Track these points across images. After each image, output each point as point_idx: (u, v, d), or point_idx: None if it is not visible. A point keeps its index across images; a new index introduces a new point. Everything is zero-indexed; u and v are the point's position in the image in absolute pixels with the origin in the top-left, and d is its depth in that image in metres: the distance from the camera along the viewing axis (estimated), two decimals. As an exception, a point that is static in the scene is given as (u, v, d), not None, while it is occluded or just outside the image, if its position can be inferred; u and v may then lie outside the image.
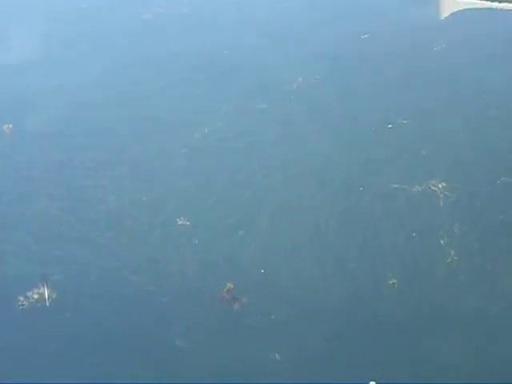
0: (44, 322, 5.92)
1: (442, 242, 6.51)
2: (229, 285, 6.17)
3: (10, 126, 9.05)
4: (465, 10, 10.95)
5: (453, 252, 6.41)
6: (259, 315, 5.99)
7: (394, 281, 6.13)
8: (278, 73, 8.59)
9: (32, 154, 7.84)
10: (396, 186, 7.00)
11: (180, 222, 6.56)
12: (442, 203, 6.87)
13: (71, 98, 8.48)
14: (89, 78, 8.49)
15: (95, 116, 8.22)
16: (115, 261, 6.32)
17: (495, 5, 11.81)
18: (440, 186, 6.98)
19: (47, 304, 6.09)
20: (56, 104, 8.26)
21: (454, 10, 10.66)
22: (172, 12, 9.58)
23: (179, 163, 7.50)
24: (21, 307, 6.03)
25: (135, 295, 6.09)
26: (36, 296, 6.17)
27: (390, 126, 7.69)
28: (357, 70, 8.94)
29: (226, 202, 7.03)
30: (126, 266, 6.27)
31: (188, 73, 8.65)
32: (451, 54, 9.05)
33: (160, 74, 8.67)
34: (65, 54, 9.03)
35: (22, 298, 6.06)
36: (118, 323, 5.93)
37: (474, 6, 11.32)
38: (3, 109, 8.67)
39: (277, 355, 5.79)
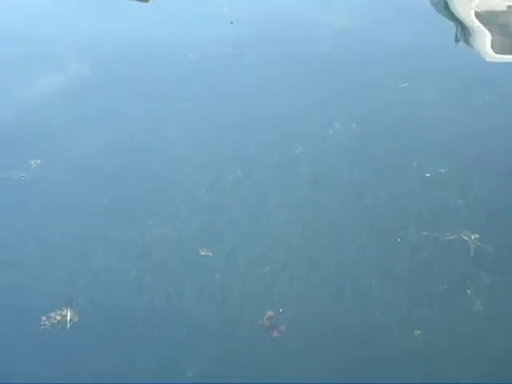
0: (60, 345, 6.22)
1: (468, 291, 6.65)
2: (269, 313, 6.46)
3: (38, 161, 7.99)
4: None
5: (479, 302, 6.53)
6: (297, 343, 6.24)
7: (419, 332, 6.27)
8: (315, 118, 8.84)
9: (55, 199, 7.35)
10: (425, 233, 7.20)
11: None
12: (472, 253, 7.03)
13: (112, 140, 8.54)
14: (129, 122, 8.74)
15: (134, 158, 8.26)
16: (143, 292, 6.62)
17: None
18: (473, 236, 7.15)
19: (68, 327, 6.48)
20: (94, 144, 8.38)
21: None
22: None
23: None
24: (42, 327, 6.40)
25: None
26: (58, 318, 6.46)
27: (427, 174, 7.92)
28: (392, 120, 9.13)
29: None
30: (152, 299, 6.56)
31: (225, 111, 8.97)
32: (496, 108, 9.06)
33: (208, 128, 8.77)
34: (106, 94, 9.28)
35: (44, 318, 6.39)
36: (139, 353, 6.20)
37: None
38: (32, 142, 8.32)
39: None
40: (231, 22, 10.92)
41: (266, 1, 12.05)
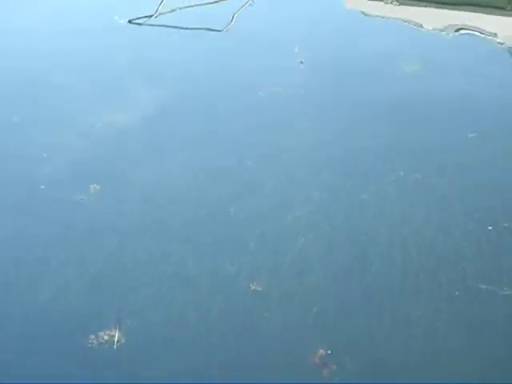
0: (104, 363, 6.39)
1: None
2: (321, 351, 6.48)
3: (98, 186, 8.33)
4: None
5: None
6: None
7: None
8: (378, 165, 8.85)
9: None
10: (483, 286, 7.12)
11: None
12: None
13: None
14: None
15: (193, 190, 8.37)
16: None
17: None
18: (534, 290, 7.03)
19: (114, 347, 6.63)
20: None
21: None
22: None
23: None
24: (89, 345, 6.58)
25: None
26: (106, 337, 6.66)
27: (489, 227, 7.86)
28: (463, 170, 9.05)
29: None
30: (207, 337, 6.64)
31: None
32: None
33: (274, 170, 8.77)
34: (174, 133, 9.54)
35: (92, 337, 6.60)
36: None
37: None
38: (94, 168, 8.58)
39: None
40: (301, 62, 11.10)
41: (337, 41, 12.14)
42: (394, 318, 6.76)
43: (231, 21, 12.27)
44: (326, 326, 6.57)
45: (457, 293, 7.08)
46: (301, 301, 6.89)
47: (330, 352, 6.44)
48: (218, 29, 12.02)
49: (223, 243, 7.56)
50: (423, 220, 7.91)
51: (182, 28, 12.14)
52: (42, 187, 8.29)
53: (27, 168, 8.61)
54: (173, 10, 12.79)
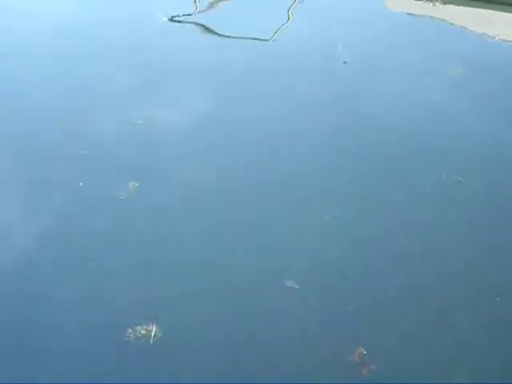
0: (139, 358, 6.48)
1: None
2: (360, 349, 6.50)
3: (136, 184, 8.36)
4: None
5: None
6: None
7: None
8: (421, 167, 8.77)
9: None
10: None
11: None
12: None
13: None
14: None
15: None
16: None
17: None
18: None
19: (151, 342, 6.71)
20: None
21: None
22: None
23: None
24: (126, 339, 6.67)
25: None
26: (143, 332, 6.73)
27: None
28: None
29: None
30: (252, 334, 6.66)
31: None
32: None
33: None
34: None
35: (130, 331, 6.68)
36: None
37: None
38: (133, 165, 8.61)
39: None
40: (344, 62, 11.10)
41: (382, 41, 12.11)
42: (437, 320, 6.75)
43: (275, 33, 12.28)
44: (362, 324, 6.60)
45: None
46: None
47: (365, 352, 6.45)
48: (263, 38, 12.09)
49: (271, 249, 7.64)
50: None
51: (230, 37, 12.23)
52: (81, 184, 8.41)
53: (65, 163, 8.76)
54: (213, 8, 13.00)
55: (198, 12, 12.78)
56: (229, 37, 11.81)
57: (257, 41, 11.63)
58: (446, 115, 9.96)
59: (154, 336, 6.57)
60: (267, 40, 11.82)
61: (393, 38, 12.22)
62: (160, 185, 8.21)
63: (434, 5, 13.56)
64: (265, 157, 8.98)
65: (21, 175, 8.40)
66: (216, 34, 12.03)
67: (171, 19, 12.34)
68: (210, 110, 9.76)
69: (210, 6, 13.05)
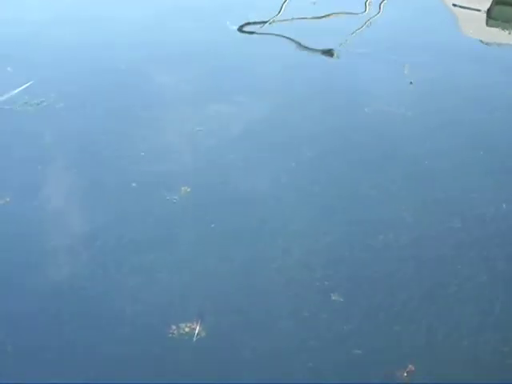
0: (181, 356, 6.68)
1: None
2: (410, 366, 6.56)
3: (188, 189, 8.49)
4: None
5: None
6: None
7: None
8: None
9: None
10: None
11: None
12: None
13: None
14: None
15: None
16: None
17: None
18: None
19: (194, 340, 6.90)
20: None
21: None
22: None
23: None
24: (170, 335, 6.88)
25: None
26: (187, 329, 6.94)
27: None
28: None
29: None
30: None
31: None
32: None
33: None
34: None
35: (174, 327, 6.89)
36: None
37: None
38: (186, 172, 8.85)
39: None
40: (410, 83, 11.21)
41: (449, 65, 12.14)
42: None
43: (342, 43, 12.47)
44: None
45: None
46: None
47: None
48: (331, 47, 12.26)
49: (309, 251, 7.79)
50: None
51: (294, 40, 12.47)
52: (134, 185, 8.72)
53: (123, 166, 9.12)
54: (285, 20, 13.27)
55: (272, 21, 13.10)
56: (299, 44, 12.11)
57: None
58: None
59: (198, 335, 6.80)
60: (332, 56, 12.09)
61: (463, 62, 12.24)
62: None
63: (509, 33, 13.55)
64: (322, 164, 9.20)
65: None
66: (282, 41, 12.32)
67: (240, 29, 12.74)
68: (268, 117, 10.03)
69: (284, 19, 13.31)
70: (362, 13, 13.76)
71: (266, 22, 13.09)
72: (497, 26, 13.79)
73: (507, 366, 6.69)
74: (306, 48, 12.44)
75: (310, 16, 13.57)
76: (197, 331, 6.84)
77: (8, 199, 8.34)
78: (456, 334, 6.95)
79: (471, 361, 6.73)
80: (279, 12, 13.56)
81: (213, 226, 8.11)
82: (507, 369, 6.67)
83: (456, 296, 7.34)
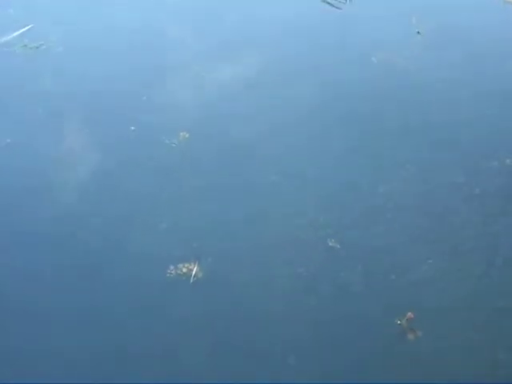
0: (177, 295, 6.88)
1: None
2: (409, 314, 6.69)
3: (187, 135, 8.55)
4: None
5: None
6: (431, 350, 6.42)
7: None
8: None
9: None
10: None
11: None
12: None
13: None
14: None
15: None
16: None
17: None
18: None
19: (191, 281, 7.02)
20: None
21: None
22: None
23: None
24: (168, 275, 6.99)
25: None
26: (184, 270, 7.03)
27: None
28: None
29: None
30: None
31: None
32: None
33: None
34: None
35: (172, 267, 7.02)
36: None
37: None
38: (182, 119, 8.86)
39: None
40: (418, 32, 11.15)
41: (454, 13, 11.97)
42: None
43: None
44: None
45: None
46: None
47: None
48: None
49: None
50: None
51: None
52: (133, 128, 8.79)
53: (125, 109, 9.16)
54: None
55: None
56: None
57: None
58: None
59: (195, 276, 6.93)
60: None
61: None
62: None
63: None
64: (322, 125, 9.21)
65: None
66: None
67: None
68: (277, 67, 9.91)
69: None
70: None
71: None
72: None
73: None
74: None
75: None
76: (194, 273, 6.97)
77: (9, 140, 8.47)
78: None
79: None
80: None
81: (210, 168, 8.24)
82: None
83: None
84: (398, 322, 6.60)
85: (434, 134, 8.89)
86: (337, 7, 11.99)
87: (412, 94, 9.82)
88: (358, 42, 10.99)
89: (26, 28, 10.54)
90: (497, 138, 9.03)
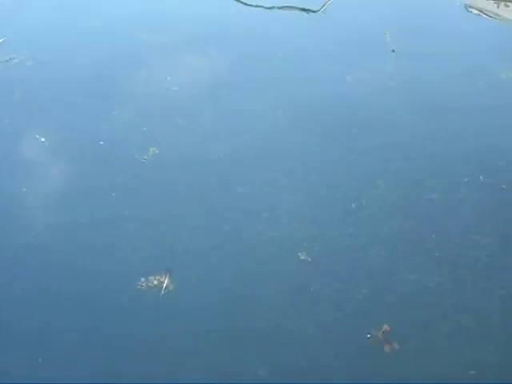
0: (147, 307, 6.86)
1: None
2: (385, 327, 6.75)
3: (157, 150, 8.55)
4: None
5: None
6: (407, 364, 6.48)
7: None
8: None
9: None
10: None
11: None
12: None
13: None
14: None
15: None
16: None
17: None
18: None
19: (162, 293, 7.03)
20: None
21: None
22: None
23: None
24: (138, 287, 7.00)
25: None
26: (155, 282, 7.00)
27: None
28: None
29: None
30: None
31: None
32: None
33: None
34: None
35: (143, 280, 7.00)
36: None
37: None
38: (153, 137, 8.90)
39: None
40: (393, 51, 11.28)
41: (431, 33, 12.13)
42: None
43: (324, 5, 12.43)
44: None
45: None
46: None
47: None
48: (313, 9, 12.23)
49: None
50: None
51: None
52: (102, 143, 8.85)
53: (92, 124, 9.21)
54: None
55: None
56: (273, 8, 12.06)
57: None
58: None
59: (166, 288, 6.94)
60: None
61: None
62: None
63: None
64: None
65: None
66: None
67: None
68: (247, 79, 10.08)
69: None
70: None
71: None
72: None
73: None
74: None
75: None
76: (165, 285, 6.99)
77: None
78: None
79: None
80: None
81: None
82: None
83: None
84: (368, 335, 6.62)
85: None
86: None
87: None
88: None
89: (-1, 42, 10.61)
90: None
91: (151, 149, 8.70)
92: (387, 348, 6.61)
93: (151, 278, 7.06)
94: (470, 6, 13.04)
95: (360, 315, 6.90)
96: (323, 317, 6.90)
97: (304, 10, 12.24)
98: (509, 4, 13.24)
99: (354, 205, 8.10)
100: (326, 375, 6.46)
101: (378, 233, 7.76)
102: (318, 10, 12.23)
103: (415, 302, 7.07)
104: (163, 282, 6.99)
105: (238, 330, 6.74)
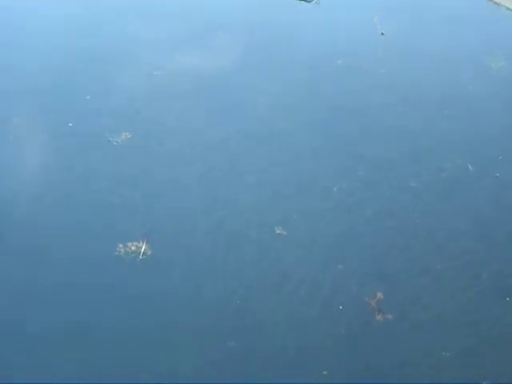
0: (125, 273, 7.38)
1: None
2: (379, 295, 7.24)
3: (129, 135, 8.99)
4: None
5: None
6: (399, 331, 7.01)
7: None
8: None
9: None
10: None
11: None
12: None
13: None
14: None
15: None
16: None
17: None
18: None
19: (140, 258, 7.71)
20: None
21: None
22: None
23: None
24: (116, 253, 7.66)
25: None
26: (133, 248, 7.45)
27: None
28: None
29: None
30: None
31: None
32: None
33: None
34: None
35: (121, 246, 7.51)
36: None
37: None
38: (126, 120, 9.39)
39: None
40: (382, 34, 11.92)
41: (418, 14, 12.67)
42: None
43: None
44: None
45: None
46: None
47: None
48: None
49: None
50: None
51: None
52: (70, 125, 9.48)
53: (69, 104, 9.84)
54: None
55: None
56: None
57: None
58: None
59: (144, 254, 7.63)
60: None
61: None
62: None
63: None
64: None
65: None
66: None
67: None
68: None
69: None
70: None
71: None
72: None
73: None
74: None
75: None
76: (143, 250, 7.62)
77: None
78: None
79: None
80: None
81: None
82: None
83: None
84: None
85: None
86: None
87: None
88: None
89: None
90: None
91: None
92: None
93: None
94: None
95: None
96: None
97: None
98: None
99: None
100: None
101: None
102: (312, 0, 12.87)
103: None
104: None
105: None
